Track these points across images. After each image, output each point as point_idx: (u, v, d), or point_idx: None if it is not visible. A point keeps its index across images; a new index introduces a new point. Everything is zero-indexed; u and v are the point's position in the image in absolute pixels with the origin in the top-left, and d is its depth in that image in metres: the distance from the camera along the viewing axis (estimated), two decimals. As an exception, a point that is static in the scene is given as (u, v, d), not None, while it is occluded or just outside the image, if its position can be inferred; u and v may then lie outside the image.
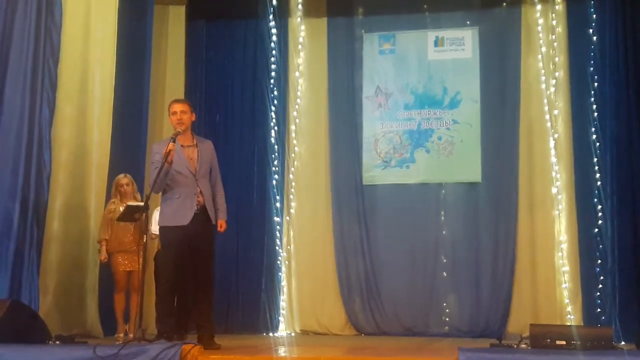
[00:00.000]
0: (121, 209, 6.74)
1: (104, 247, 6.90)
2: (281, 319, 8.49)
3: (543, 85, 8.31)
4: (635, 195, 7.82)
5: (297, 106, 8.86)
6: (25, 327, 5.26)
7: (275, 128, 8.76)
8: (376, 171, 8.68)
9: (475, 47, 8.59)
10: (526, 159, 8.31)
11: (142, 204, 6.23)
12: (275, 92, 8.81)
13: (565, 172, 8.16)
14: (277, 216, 8.63)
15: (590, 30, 8.16)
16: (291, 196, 8.73)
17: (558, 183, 8.13)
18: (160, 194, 5.68)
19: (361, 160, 8.69)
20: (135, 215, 6.57)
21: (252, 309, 8.43)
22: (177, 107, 5.67)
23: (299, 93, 8.88)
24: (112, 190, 7.08)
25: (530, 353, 5.10)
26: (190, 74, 8.97)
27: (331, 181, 8.69)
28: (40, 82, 6.64)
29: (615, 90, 8.00)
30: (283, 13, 8.91)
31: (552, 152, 8.19)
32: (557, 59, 8.31)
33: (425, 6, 8.68)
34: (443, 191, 8.47)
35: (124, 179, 7.04)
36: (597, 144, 7.99)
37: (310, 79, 8.93)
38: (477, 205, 8.37)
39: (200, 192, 5.58)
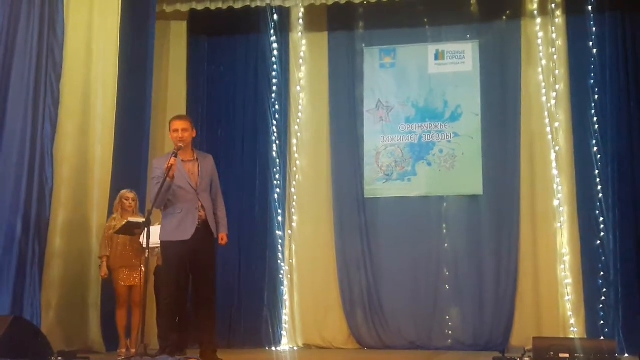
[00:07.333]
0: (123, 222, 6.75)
1: (104, 264, 6.90)
2: (284, 333, 8.46)
3: (544, 98, 8.31)
4: (637, 207, 7.80)
5: (298, 120, 8.87)
6: (28, 343, 5.27)
7: (277, 142, 8.77)
8: (378, 184, 8.68)
9: (475, 60, 8.61)
10: (527, 171, 8.30)
11: (141, 220, 6.26)
12: (277, 106, 8.82)
13: (567, 185, 8.15)
14: (279, 230, 8.62)
15: (590, 43, 8.16)
16: (293, 210, 8.73)
17: (560, 195, 8.12)
18: (161, 209, 5.69)
19: (363, 173, 8.69)
20: (135, 230, 6.59)
21: (255, 323, 8.40)
22: (179, 125, 5.68)
23: (300, 107, 8.89)
24: (115, 203, 7.06)
25: (533, 366, 5.10)
26: (192, 89, 9.00)
27: (333, 195, 8.69)
28: (42, 98, 6.70)
29: (616, 102, 8.00)
30: (284, 28, 8.95)
31: (554, 164, 8.18)
32: (557, 71, 8.31)
33: (426, 20, 8.70)
34: (445, 204, 8.46)
35: (129, 193, 7.03)
36: (599, 156, 7.98)
37: (311, 93, 8.95)
38: (479, 218, 8.36)
39: (202, 206, 5.60)
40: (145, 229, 5.46)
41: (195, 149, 5.92)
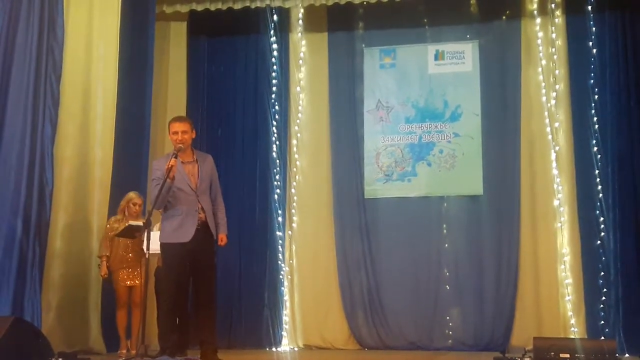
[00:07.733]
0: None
1: (104, 263, 6.90)
2: (284, 333, 8.46)
3: (544, 98, 8.31)
4: (637, 207, 7.79)
5: (298, 121, 8.88)
6: (28, 344, 5.26)
7: (277, 143, 8.77)
8: (378, 185, 8.68)
9: (475, 60, 8.61)
10: (528, 171, 8.30)
11: (141, 223, 6.25)
12: (277, 107, 8.83)
13: (567, 185, 8.15)
14: (279, 230, 8.62)
15: (590, 43, 8.15)
16: (293, 210, 8.73)
17: (560, 195, 8.12)
18: (161, 210, 5.68)
19: (363, 174, 8.69)
20: (135, 233, 6.58)
21: (255, 324, 8.40)
22: (178, 127, 5.66)
23: (300, 108, 8.90)
24: (120, 205, 7.03)
25: (534, 366, 5.10)
26: (192, 89, 9.00)
27: (333, 195, 8.69)
28: (42, 99, 6.69)
29: (616, 102, 8.00)
30: (284, 28, 8.95)
31: (554, 164, 8.18)
32: (557, 71, 8.31)
33: (426, 20, 8.70)
34: (445, 204, 8.46)
35: (137, 198, 7.00)
36: (599, 156, 7.98)
37: (311, 94, 8.95)
38: (479, 218, 8.35)
39: (202, 208, 5.60)
40: (146, 231, 5.45)
41: (195, 149, 5.92)
